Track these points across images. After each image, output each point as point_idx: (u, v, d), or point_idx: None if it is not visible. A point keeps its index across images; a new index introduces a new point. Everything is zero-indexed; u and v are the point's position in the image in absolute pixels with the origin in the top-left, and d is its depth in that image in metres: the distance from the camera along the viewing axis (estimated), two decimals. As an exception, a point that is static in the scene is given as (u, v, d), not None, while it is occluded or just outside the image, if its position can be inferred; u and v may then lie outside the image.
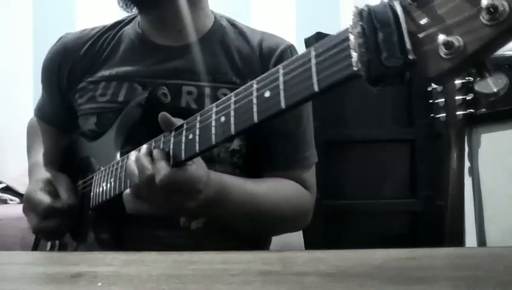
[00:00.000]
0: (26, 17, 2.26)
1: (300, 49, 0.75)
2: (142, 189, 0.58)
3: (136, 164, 0.59)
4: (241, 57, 0.81)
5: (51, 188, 0.80)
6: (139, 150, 0.61)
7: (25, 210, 0.81)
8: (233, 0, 2.08)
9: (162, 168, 0.56)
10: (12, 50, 2.24)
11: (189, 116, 0.57)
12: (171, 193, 0.57)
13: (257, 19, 2.18)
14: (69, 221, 0.78)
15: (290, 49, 0.84)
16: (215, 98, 0.75)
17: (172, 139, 0.57)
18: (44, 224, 0.77)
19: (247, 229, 0.74)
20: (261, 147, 0.81)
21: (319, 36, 1.35)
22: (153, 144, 0.61)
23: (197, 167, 0.59)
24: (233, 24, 0.87)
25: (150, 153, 0.59)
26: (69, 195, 0.78)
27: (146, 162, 0.57)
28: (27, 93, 2.17)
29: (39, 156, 0.89)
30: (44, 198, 0.77)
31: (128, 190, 0.61)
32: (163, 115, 0.59)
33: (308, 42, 1.42)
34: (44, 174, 0.83)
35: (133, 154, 0.61)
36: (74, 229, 0.81)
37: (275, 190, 0.76)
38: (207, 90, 0.78)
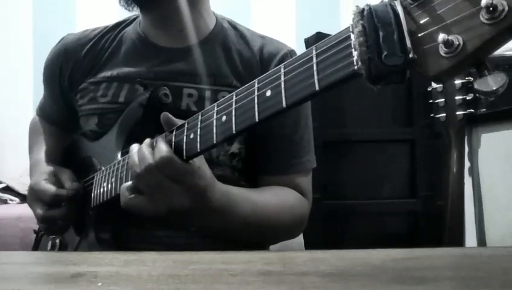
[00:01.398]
0: (26, 17, 2.26)
1: (301, 49, 0.75)
2: (142, 179, 0.57)
3: (138, 154, 0.58)
4: (241, 60, 0.81)
5: (54, 179, 0.80)
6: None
7: (30, 201, 0.81)
8: (233, 1, 2.08)
9: (163, 150, 0.55)
10: (12, 50, 2.25)
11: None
12: (171, 184, 0.56)
13: (257, 19, 2.18)
14: (74, 210, 0.78)
15: (291, 54, 0.84)
16: (215, 101, 0.74)
17: (173, 138, 0.57)
18: (50, 213, 0.77)
19: (245, 240, 0.73)
20: (258, 150, 0.81)
21: (319, 36, 1.35)
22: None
23: (201, 165, 0.58)
24: (234, 27, 0.87)
25: (151, 145, 0.59)
26: (73, 184, 0.78)
27: (147, 151, 0.57)
28: (27, 93, 2.17)
29: (41, 154, 0.90)
30: (50, 187, 0.77)
31: (126, 184, 0.60)
32: (165, 114, 0.59)
33: (308, 42, 1.42)
34: (47, 167, 0.84)
35: (135, 146, 0.61)
36: (77, 224, 0.81)
37: (275, 200, 0.75)
38: (207, 93, 0.78)
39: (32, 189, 0.80)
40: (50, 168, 0.83)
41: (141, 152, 0.57)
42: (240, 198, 0.68)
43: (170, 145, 0.57)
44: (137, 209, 0.59)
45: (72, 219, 0.80)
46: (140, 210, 0.58)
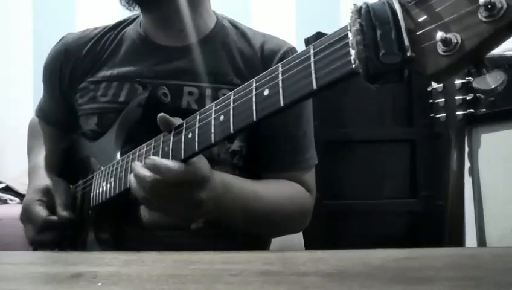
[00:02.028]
0: (26, 17, 2.26)
1: (300, 49, 0.76)
2: (151, 198, 0.57)
3: (136, 179, 0.58)
4: (242, 58, 0.82)
5: (48, 198, 0.79)
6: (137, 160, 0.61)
7: (22, 220, 0.80)
8: (233, 0, 2.08)
9: (171, 165, 0.55)
10: (12, 50, 2.25)
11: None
12: (181, 189, 0.56)
13: (257, 19, 2.18)
14: (64, 234, 0.78)
15: (292, 51, 0.84)
16: (216, 99, 0.74)
17: (171, 138, 0.57)
18: (40, 237, 0.77)
19: (247, 230, 0.74)
20: (260, 148, 0.81)
21: (319, 36, 1.34)
22: (153, 144, 0.61)
23: (199, 160, 0.58)
24: (234, 25, 0.87)
25: (148, 166, 0.58)
26: (66, 209, 0.77)
27: (143, 171, 0.56)
28: (27, 93, 2.17)
29: (40, 157, 0.89)
30: (41, 212, 0.76)
31: (142, 206, 0.60)
32: (162, 116, 0.59)
33: (308, 42, 1.42)
34: (43, 181, 0.82)
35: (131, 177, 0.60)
36: (72, 239, 0.81)
37: (276, 190, 0.76)
38: (208, 91, 0.78)
39: (24, 209, 0.80)
40: (46, 182, 0.81)
41: (138, 177, 0.57)
42: (235, 185, 0.68)
43: (168, 146, 0.57)
44: (159, 224, 0.59)
45: (62, 242, 0.79)
46: (162, 224, 0.59)
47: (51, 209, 0.77)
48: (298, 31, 2.17)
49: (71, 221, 0.77)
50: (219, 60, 0.81)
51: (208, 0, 0.86)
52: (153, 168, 0.55)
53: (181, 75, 0.79)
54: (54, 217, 0.76)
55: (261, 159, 0.82)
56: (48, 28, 2.16)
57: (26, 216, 0.79)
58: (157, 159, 0.56)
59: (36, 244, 0.79)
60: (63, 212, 0.76)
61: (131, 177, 0.59)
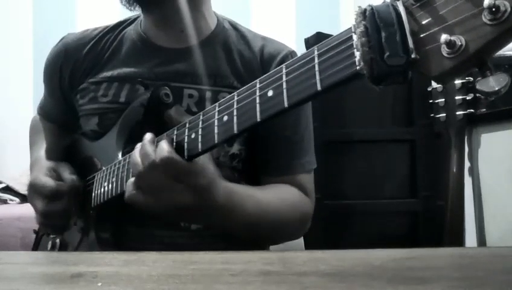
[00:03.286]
0: (26, 17, 2.26)
1: (301, 50, 0.76)
2: (144, 176, 0.56)
3: (140, 152, 0.58)
4: (242, 61, 0.81)
5: (54, 173, 0.80)
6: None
7: (30, 197, 0.80)
8: (233, 1, 2.08)
9: (164, 148, 0.55)
10: (12, 50, 2.25)
11: None
12: (172, 183, 0.56)
13: (257, 19, 2.19)
14: (74, 204, 0.78)
15: (291, 55, 0.84)
16: (215, 102, 0.75)
17: (174, 138, 0.57)
18: (50, 207, 0.76)
19: (248, 237, 0.73)
20: (259, 151, 0.81)
21: (319, 36, 1.35)
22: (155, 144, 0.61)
23: (204, 163, 0.58)
24: (235, 27, 0.87)
25: (153, 142, 0.58)
26: (73, 177, 0.77)
27: (150, 149, 0.56)
28: (27, 93, 2.17)
29: (41, 151, 0.89)
30: (49, 181, 0.76)
31: (130, 179, 0.60)
32: (169, 113, 0.59)
33: (308, 42, 1.42)
34: (47, 163, 0.83)
35: (138, 145, 0.61)
36: (80, 221, 0.81)
37: (279, 198, 0.75)
38: (208, 94, 0.78)
39: (32, 184, 0.80)
40: (49, 163, 0.82)
41: (143, 150, 0.57)
42: (243, 196, 0.67)
43: (172, 145, 0.57)
44: (139, 206, 0.59)
45: (72, 213, 0.79)
46: (143, 207, 0.58)
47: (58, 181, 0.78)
48: (298, 31, 2.17)
49: (78, 188, 0.77)
50: (219, 63, 0.81)
51: (208, 0, 0.86)
52: (160, 151, 0.55)
53: (181, 78, 0.79)
54: (62, 185, 0.76)
55: (258, 162, 0.82)
56: (48, 28, 2.17)
57: (34, 190, 0.78)
58: (169, 147, 0.56)
59: (47, 217, 0.78)
60: (70, 179, 0.77)
61: (137, 146, 0.59)
